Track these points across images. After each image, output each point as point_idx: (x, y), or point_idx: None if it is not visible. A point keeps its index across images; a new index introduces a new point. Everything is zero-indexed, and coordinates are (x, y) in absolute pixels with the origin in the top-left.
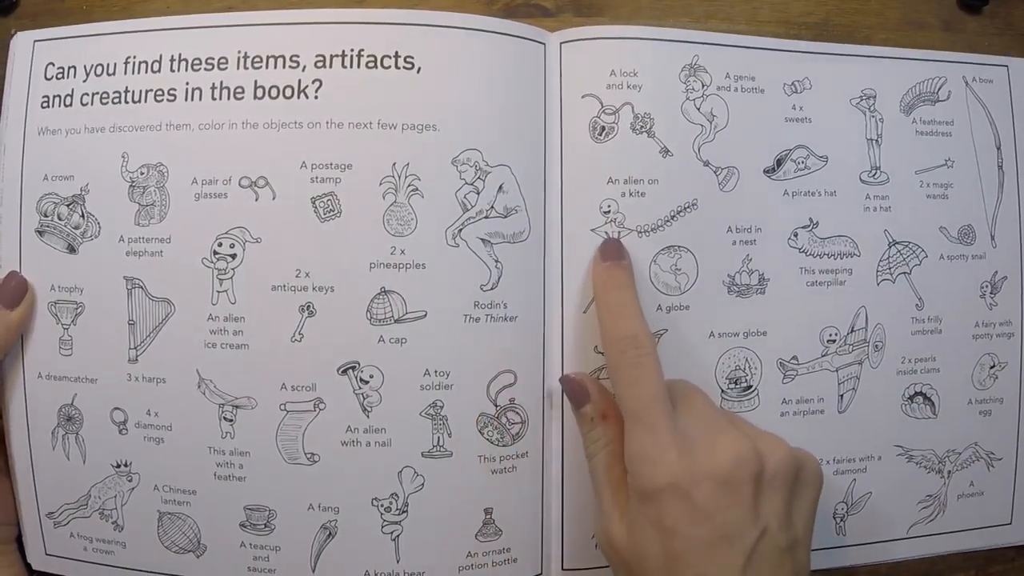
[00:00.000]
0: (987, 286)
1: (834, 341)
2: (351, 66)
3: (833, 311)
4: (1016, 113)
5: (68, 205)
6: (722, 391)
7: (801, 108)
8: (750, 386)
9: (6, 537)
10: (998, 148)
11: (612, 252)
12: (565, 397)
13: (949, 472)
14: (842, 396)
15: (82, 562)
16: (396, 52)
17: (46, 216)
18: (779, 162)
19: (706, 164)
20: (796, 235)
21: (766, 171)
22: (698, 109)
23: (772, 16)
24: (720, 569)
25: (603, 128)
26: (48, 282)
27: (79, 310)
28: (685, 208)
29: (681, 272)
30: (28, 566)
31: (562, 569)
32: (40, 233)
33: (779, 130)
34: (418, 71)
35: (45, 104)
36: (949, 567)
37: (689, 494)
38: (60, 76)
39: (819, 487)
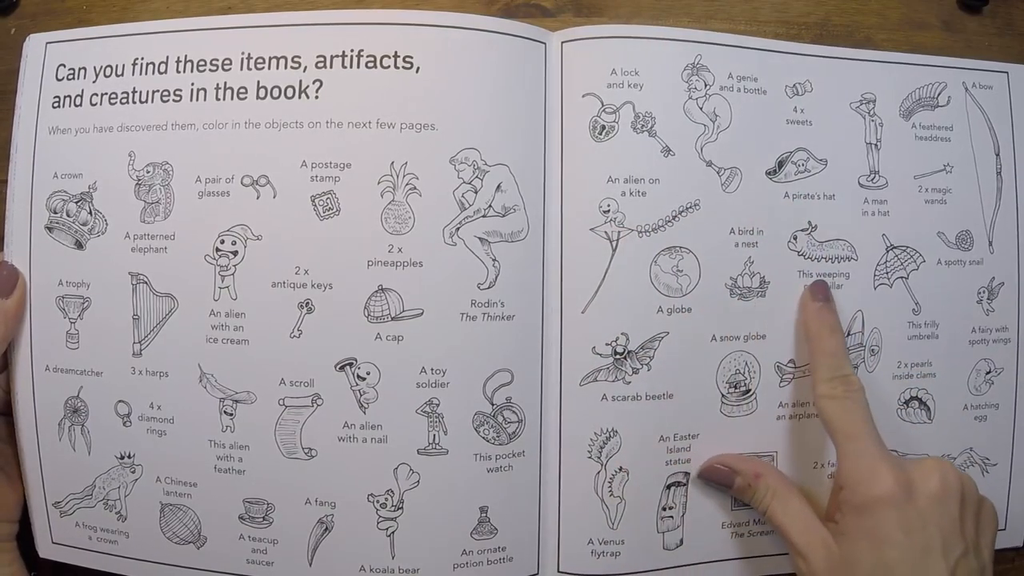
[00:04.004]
0: (984, 292)
1: None
2: (351, 66)
3: None
4: (1015, 119)
5: (76, 202)
6: (722, 395)
7: (802, 110)
8: (749, 390)
9: (7, 535)
10: (997, 154)
11: (821, 293)
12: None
13: None
14: None
15: (87, 551)
16: (395, 52)
17: (55, 213)
18: (780, 164)
19: (709, 164)
20: (795, 238)
21: (768, 173)
22: (701, 109)
23: (772, 16)
24: None
25: (603, 127)
26: (56, 277)
27: (86, 305)
28: (687, 208)
29: (683, 274)
30: (32, 560)
31: (558, 571)
32: (49, 229)
33: (780, 132)
34: (417, 71)
35: (56, 104)
36: None
37: (903, 505)
38: (71, 77)
39: (996, 526)
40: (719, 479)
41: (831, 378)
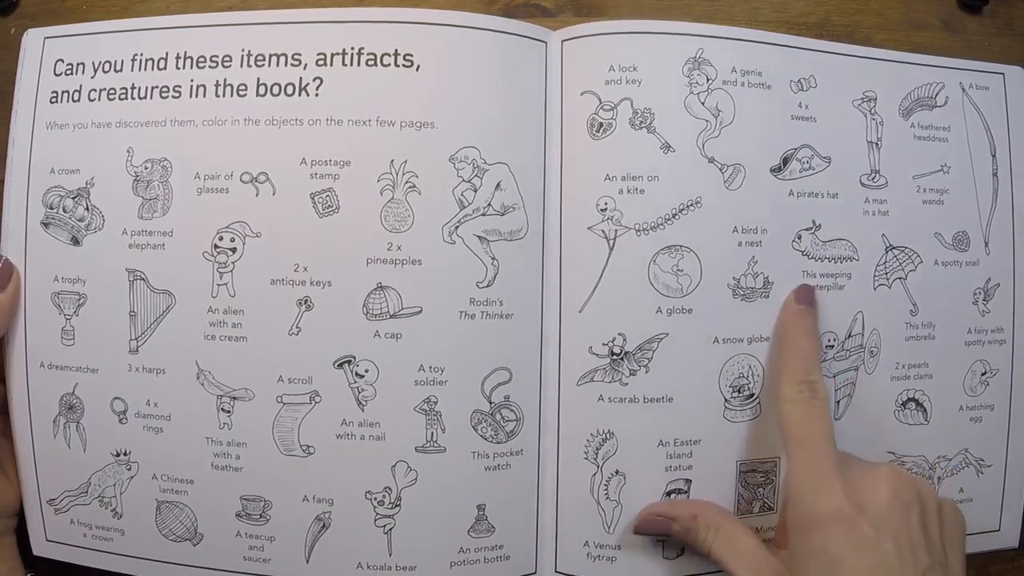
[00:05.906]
0: (980, 293)
1: (832, 347)
2: (351, 64)
3: (832, 316)
4: (1011, 121)
5: (73, 198)
6: (725, 400)
7: (807, 107)
8: (752, 394)
9: (5, 529)
10: (993, 155)
11: (806, 297)
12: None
13: (939, 478)
14: (838, 402)
15: (82, 548)
16: (396, 50)
17: (52, 208)
18: (785, 161)
19: (711, 161)
20: (800, 237)
21: (773, 170)
22: (702, 104)
23: (772, 16)
24: None
25: (601, 124)
26: (52, 273)
27: (81, 301)
28: (688, 206)
29: (683, 273)
30: (29, 557)
31: (556, 571)
32: (45, 225)
33: (786, 128)
34: (417, 69)
35: (54, 99)
36: None
37: (855, 521)
38: (69, 72)
39: (964, 528)
40: (655, 529)
41: (798, 381)
